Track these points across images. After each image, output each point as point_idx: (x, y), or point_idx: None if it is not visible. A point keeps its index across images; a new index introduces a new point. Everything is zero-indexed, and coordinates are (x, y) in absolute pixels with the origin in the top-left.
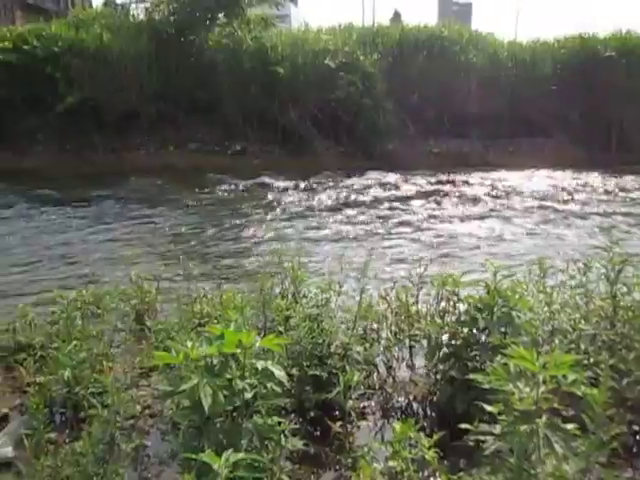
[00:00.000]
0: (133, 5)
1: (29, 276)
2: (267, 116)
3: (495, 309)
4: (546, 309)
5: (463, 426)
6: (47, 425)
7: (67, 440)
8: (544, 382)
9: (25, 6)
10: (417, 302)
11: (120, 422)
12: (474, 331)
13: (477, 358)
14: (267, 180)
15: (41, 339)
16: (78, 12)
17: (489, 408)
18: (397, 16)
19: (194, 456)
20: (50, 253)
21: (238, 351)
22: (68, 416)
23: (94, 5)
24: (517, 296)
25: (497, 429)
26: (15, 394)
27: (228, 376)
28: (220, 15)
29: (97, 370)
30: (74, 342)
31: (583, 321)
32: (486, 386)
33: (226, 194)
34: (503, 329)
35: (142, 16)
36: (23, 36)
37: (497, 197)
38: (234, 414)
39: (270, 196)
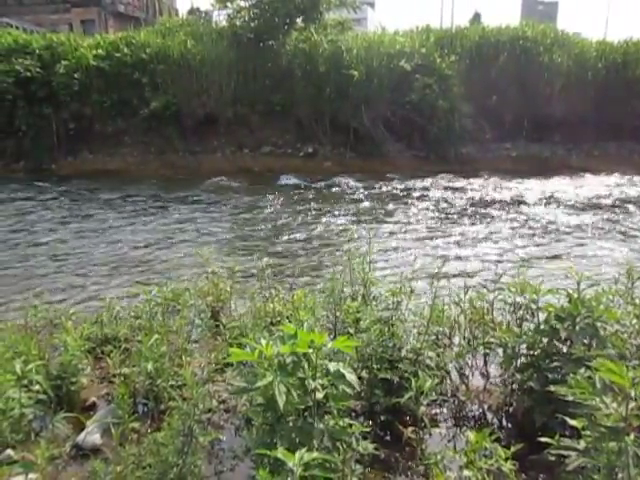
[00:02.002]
0: (216, 12)
1: (112, 270)
2: (339, 119)
3: (578, 319)
4: (635, 321)
5: (543, 439)
6: (131, 415)
7: (149, 430)
8: (634, 398)
9: (117, 15)
10: (492, 309)
11: (198, 416)
12: (554, 341)
13: (558, 370)
14: (338, 182)
15: (126, 332)
16: (165, 20)
17: (572, 422)
18: (477, 17)
19: (269, 452)
20: (130, 253)
21: (310, 351)
22: (150, 407)
23: (180, 13)
24: (602, 306)
25: (581, 445)
26: (103, 384)
27: (301, 375)
28: (298, 20)
29: (176, 364)
30: (155, 336)
31: None
32: (568, 399)
33: (297, 196)
34: (586, 341)
35: (224, 22)
36: (115, 44)
37: (581, 202)
38: (305, 413)
39: (341, 198)
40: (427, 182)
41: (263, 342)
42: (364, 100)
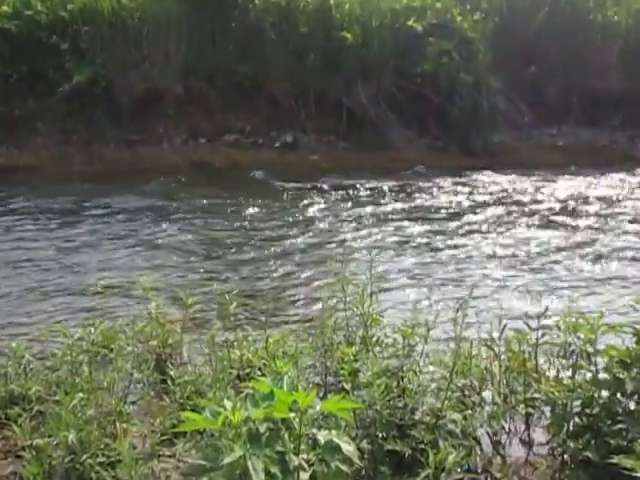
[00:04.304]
0: None
1: (18, 307)
2: (328, 97)
3: None
4: None
5: None
6: None
7: None
8: None
9: None
10: (536, 353)
11: None
12: (618, 396)
13: (623, 434)
14: (327, 182)
15: (39, 389)
16: None
17: None
18: None
19: None
20: (47, 277)
21: (292, 416)
22: None
23: None
24: None
25: None
26: (7, 460)
27: (279, 449)
28: None
29: (108, 433)
30: (79, 395)
31: None
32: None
33: (273, 201)
34: None
35: None
36: None
37: None
38: None
39: (332, 203)
40: (446, 181)
41: (228, 404)
42: (361, 72)
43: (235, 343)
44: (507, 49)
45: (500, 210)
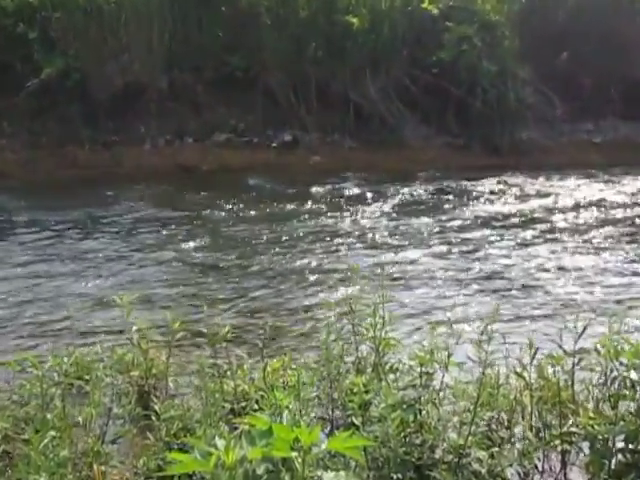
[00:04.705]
0: None
1: None
2: (332, 90)
3: None
4: None
5: None
6: None
7: None
8: None
9: None
10: (572, 381)
11: None
12: None
13: None
14: (333, 187)
15: (5, 426)
16: None
17: None
18: None
19: None
20: (14, 304)
21: (294, 455)
22: None
23: None
24: None
25: None
26: None
27: None
28: None
29: (84, 476)
30: (51, 433)
31: None
32: None
33: (270, 210)
34: None
35: None
36: None
37: None
38: None
39: (338, 211)
40: (467, 185)
41: (220, 443)
42: (369, 61)
43: (228, 372)
44: (536, 34)
45: (529, 218)
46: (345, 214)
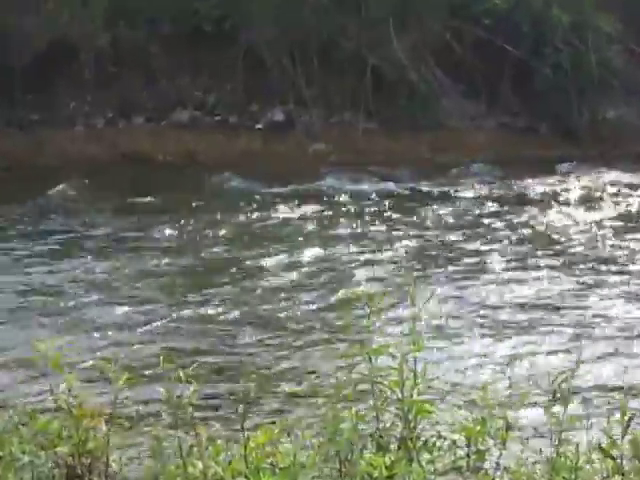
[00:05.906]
0: None
1: None
2: (340, 49)
3: None
4: None
5: None
6: None
7: None
8: None
9: None
10: None
11: None
12: None
13: None
14: (340, 185)
15: None
16: None
17: None
18: None
19: None
20: None
21: None
22: None
23: None
24: None
25: None
26: None
27: None
28: None
29: None
30: None
31: None
32: None
33: (253, 219)
34: None
35: None
36: None
37: None
38: None
39: (349, 220)
40: (531, 183)
41: None
42: (393, 10)
43: (195, 449)
44: None
45: (616, 227)
46: (355, 220)
